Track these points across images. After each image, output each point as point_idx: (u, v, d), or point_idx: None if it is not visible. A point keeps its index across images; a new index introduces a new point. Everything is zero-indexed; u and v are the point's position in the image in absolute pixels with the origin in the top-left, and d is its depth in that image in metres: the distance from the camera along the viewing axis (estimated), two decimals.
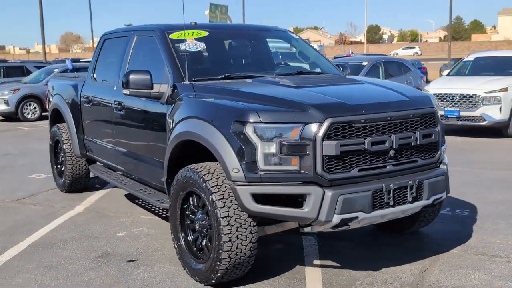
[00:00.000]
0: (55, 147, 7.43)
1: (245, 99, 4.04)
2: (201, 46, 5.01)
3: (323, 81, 4.80)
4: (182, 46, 4.99)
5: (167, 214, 5.93)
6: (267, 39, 5.81)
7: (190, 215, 4.31)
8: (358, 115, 3.82)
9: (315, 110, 3.74)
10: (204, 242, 4.16)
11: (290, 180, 3.74)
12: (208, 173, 3.98)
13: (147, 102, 4.96)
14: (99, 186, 7.56)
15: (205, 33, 5.18)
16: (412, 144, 4.05)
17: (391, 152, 3.94)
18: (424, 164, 4.19)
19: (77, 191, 7.20)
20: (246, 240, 3.89)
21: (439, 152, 4.32)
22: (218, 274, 3.95)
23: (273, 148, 3.72)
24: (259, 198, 3.78)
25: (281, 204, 3.82)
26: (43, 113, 17.06)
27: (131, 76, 4.72)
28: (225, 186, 3.89)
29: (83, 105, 6.48)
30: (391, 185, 3.87)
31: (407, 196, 3.99)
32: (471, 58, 13.17)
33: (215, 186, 3.89)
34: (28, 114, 16.96)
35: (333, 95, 4.11)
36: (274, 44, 6.15)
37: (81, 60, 22.97)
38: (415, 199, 4.04)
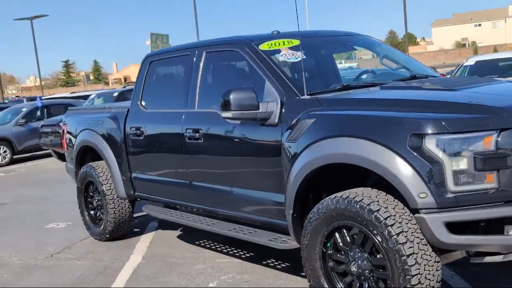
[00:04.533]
0: (86, 190, 6.48)
1: (408, 108, 3.36)
2: (300, 55, 4.32)
3: (464, 82, 4.19)
4: (279, 58, 4.30)
5: (248, 254, 5.18)
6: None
7: (336, 255, 3.56)
8: None
9: (510, 113, 3.12)
10: (366, 286, 3.41)
11: (489, 201, 3.08)
12: (373, 201, 3.26)
13: (245, 126, 4.20)
14: (138, 229, 6.64)
15: (297, 42, 4.50)
16: None
17: None
18: None
19: (118, 238, 6.27)
20: (433, 280, 3.19)
21: None
22: None
23: (463, 164, 3.05)
24: (452, 227, 3.09)
25: (475, 232, 3.15)
26: (14, 157, 15.77)
27: (233, 96, 3.97)
28: (400, 216, 3.19)
29: (129, 138, 5.61)
30: None
31: None
32: (471, 62, 13.00)
33: (389, 217, 3.17)
34: None
35: (508, 96, 3.51)
36: None
37: (42, 98, 21.48)
38: None
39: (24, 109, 16.65)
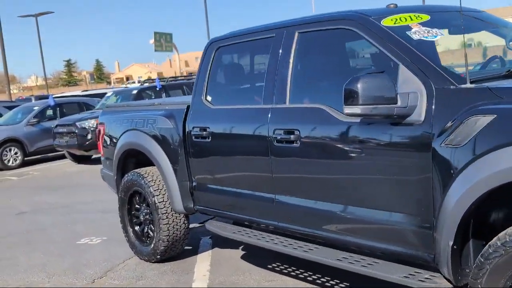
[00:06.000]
0: (130, 202, 5.47)
1: None
2: (438, 33, 3.33)
3: None
4: (413, 36, 3.30)
5: (343, 285, 4.19)
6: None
7: None
8: None
9: None
10: None
11: None
12: None
13: (370, 126, 3.20)
14: (189, 247, 5.63)
15: (426, 17, 3.51)
16: None
17: None
18: None
19: (169, 259, 5.26)
20: None
21: None
22: None
23: None
24: None
25: None
26: (25, 158, 14.75)
27: (362, 85, 2.97)
28: None
29: (191, 140, 4.61)
30: None
31: None
32: None
33: None
34: (8, 161, 14.52)
35: None
36: None
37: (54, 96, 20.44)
38: None
39: (35, 108, 15.64)
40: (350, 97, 3.02)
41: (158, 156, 4.95)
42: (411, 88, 3.04)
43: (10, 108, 17.80)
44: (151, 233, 5.23)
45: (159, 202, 4.97)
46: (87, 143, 13.06)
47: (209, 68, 4.61)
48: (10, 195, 10.37)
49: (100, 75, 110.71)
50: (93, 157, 14.02)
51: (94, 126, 13.01)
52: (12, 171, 14.03)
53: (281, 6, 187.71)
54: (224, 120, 4.35)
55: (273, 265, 4.83)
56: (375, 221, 3.29)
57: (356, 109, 3.02)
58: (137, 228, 5.44)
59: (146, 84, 15.58)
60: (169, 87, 14.77)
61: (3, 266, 5.71)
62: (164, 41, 39.63)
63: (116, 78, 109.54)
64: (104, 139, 5.92)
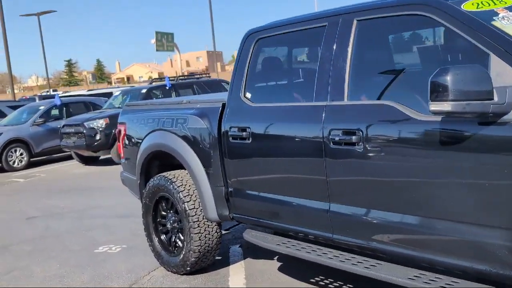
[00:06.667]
0: (155, 208, 5.03)
1: None
2: None
3: None
4: (502, 22, 2.87)
5: None
6: None
7: None
8: None
9: None
10: None
11: None
12: None
13: (454, 125, 2.77)
14: (219, 257, 5.18)
15: (510, 2, 3.07)
16: None
17: None
18: None
19: (200, 271, 4.83)
20: None
21: None
22: None
23: None
24: None
25: None
26: (31, 159, 14.31)
27: (453, 77, 2.53)
28: None
29: (228, 141, 4.18)
30: None
31: None
32: None
33: None
34: (14, 162, 14.08)
35: None
36: None
37: (60, 95, 20.00)
38: None
39: (41, 108, 15.19)
40: (437, 92, 2.59)
41: (189, 159, 4.52)
42: (507, 82, 2.61)
43: (14, 108, 17.35)
44: (179, 242, 4.80)
45: (190, 209, 4.53)
46: (95, 143, 12.62)
47: (247, 63, 4.17)
48: (18, 198, 9.93)
49: (101, 75, 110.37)
50: (101, 158, 13.60)
51: (102, 126, 12.61)
52: (18, 172, 13.59)
53: (283, 3, 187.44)
54: (268, 120, 3.91)
55: (316, 278, 4.39)
56: (457, 236, 2.85)
57: (446, 106, 2.58)
58: (163, 237, 5.00)
59: (154, 83, 15.10)
60: (179, 86, 14.31)
61: (16, 278, 5.29)
62: (165, 41, 39.38)
63: (117, 78, 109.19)
64: (125, 140, 5.49)
